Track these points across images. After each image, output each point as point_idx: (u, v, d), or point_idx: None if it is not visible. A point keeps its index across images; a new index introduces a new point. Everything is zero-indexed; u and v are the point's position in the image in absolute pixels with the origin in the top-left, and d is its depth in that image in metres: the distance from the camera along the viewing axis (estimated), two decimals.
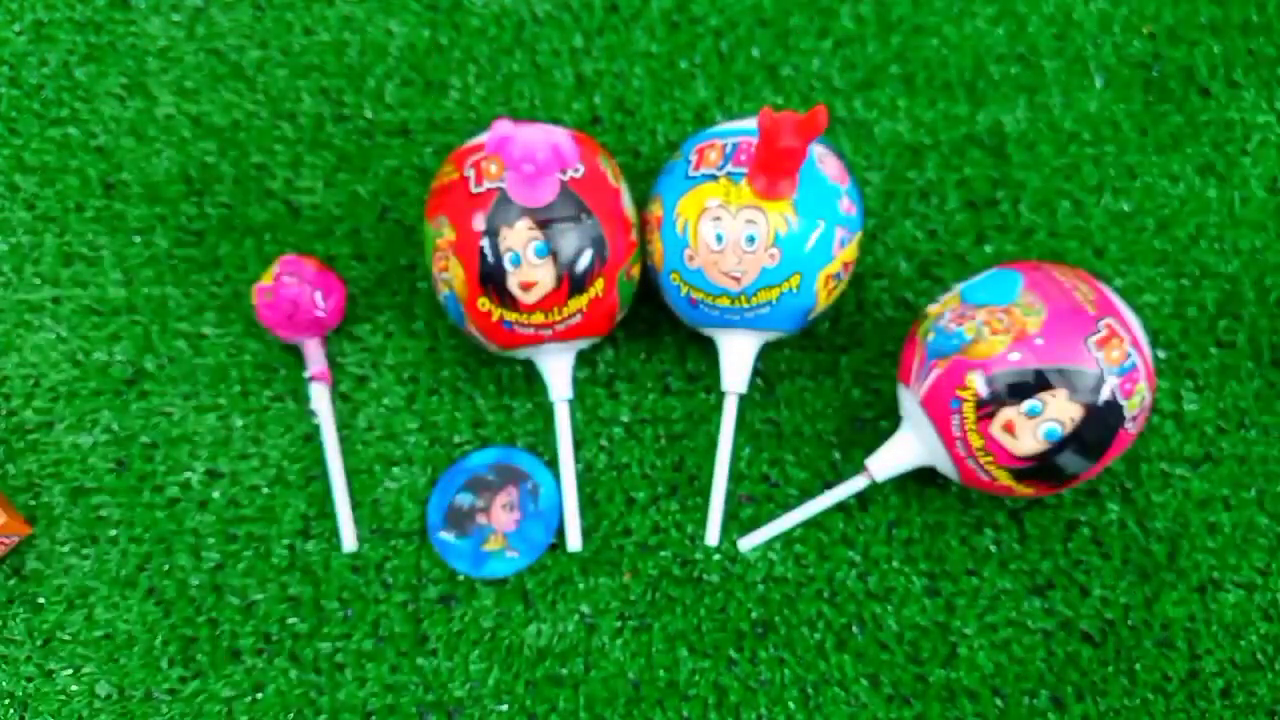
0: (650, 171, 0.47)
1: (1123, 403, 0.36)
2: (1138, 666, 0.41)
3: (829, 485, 0.43)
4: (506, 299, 0.39)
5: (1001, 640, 0.41)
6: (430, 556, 0.42)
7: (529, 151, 0.36)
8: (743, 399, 0.44)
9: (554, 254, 0.38)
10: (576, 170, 0.39)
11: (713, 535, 0.43)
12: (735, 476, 0.44)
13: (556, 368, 0.42)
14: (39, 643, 0.42)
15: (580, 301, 0.39)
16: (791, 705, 0.41)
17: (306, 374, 0.43)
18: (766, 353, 0.45)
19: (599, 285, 0.39)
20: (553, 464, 0.43)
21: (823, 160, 0.39)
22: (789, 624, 0.42)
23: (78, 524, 0.43)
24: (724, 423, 0.43)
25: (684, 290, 0.40)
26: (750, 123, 0.40)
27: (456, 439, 0.44)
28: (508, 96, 0.49)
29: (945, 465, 0.39)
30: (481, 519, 0.43)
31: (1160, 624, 0.42)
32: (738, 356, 0.42)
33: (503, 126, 0.36)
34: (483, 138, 0.40)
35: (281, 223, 0.47)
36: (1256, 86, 0.49)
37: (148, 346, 0.45)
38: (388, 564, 0.42)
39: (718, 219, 0.38)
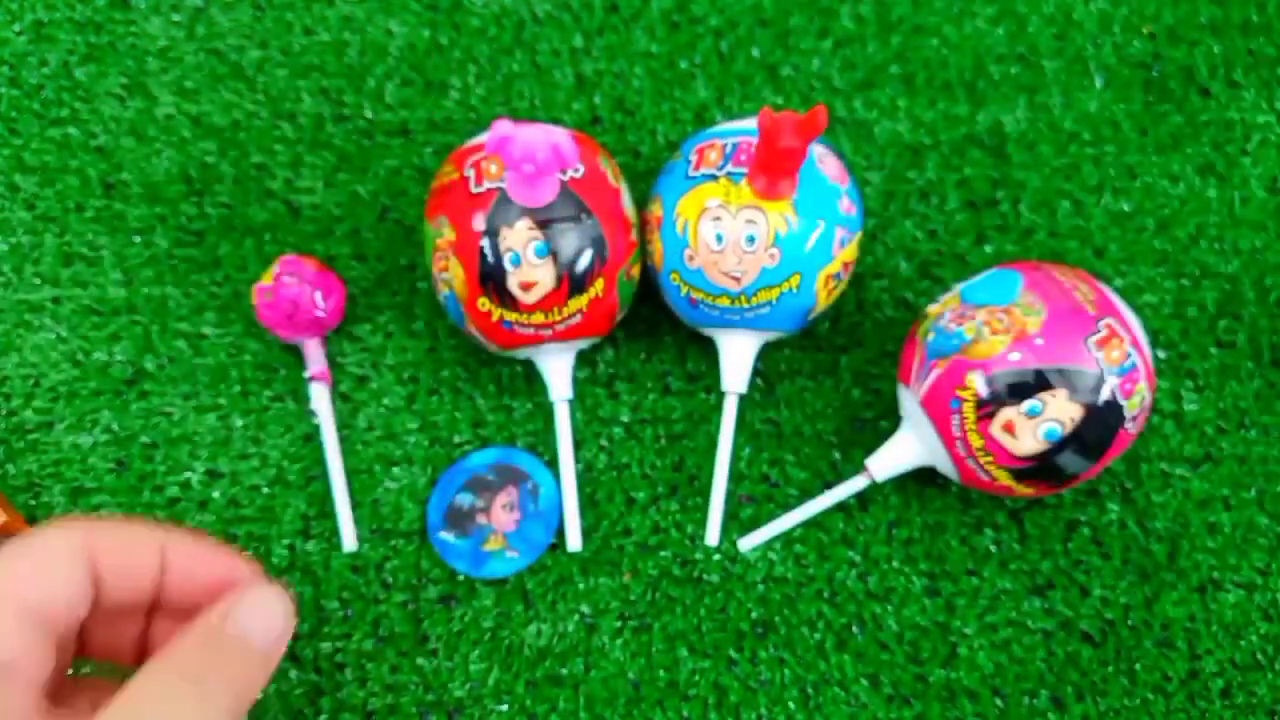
0: (650, 171, 0.47)
1: (1123, 403, 0.36)
2: (1138, 666, 0.41)
3: (829, 485, 0.43)
4: (506, 299, 0.39)
5: (1001, 640, 0.41)
6: (430, 556, 0.42)
7: (529, 151, 0.36)
8: (743, 399, 0.44)
9: (554, 254, 0.38)
10: (576, 170, 0.39)
11: (713, 535, 0.43)
12: (735, 476, 0.44)
13: (556, 368, 0.42)
14: None
15: (580, 301, 0.39)
16: (791, 705, 0.41)
17: (306, 374, 0.43)
18: (766, 353, 0.45)
19: (599, 285, 0.39)
20: (553, 464, 0.43)
21: (823, 160, 0.39)
22: (789, 624, 0.42)
23: None
24: (724, 423, 0.43)
25: (684, 290, 0.40)
26: (750, 123, 0.40)
27: (456, 439, 0.44)
28: (508, 96, 0.49)
29: (945, 465, 0.39)
30: (481, 519, 0.43)
31: (1160, 624, 0.42)
32: (738, 356, 0.42)
33: (503, 126, 0.36)
34: (483, 138, 0.40)
35: (281, 223, 0.47)
36: (1256, 86, 0.49)
37: (148, 346, 0.45)
38: (388, 564, 0.42)
39: (718, 219, 0.38)
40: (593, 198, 0.39)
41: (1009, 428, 0.36)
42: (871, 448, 0.41)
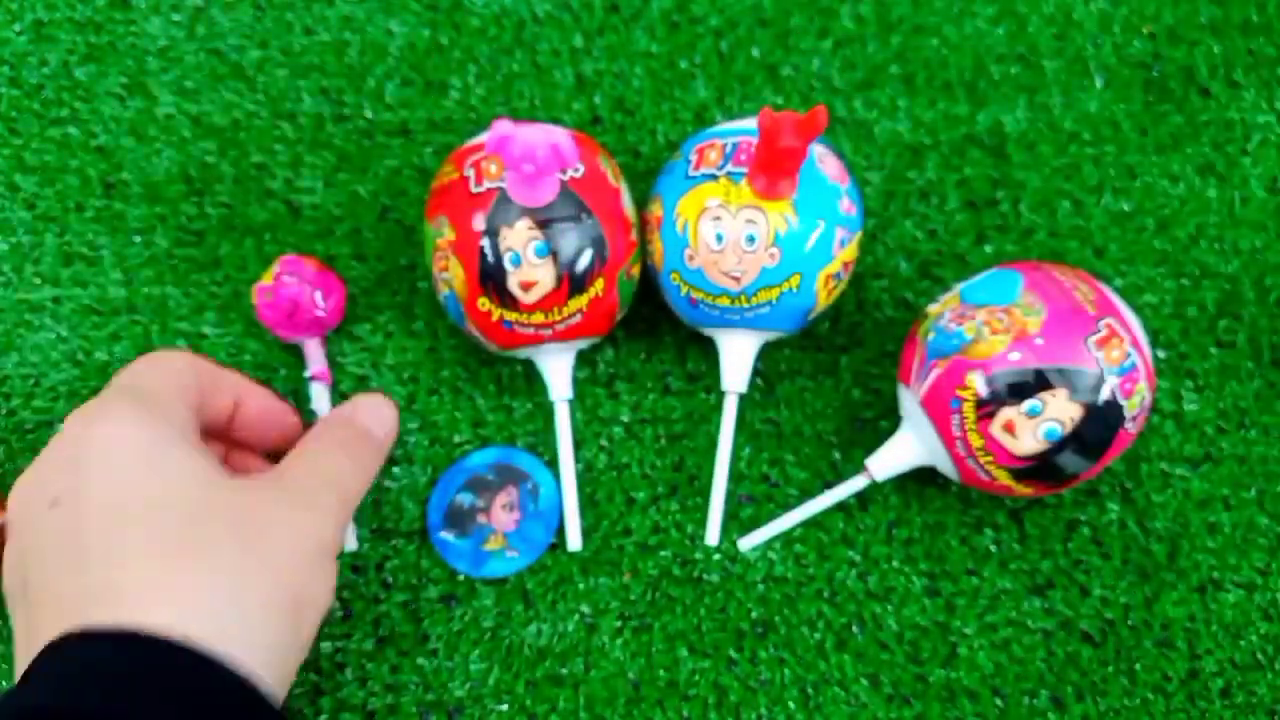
0: (650, 171, 0.47)
1: (1123, 403, 0.36)
2: (1138, 666, 0.41)
3: (829, 485, 0.43)
4: (506, 299, 0.39)
5: (1001, 640, 0.41)
6: (430, 556, 0.42)
7: (529, 151, 0.36)
8: (743, 399, 0.44)
9: (554, 254, 0.38)
10: (576, 170, 0.39)
11: (713, 535, 0.43)
12: (735, 476, 0.44)
13: (556, 368, 0.42)
14: None
15: (580, 301, 0.39)
16: (791, 705, 0.41)
17: (307, 374, 0.43)
18: (766, 353, 0.45)
19: (599, 285, 0.39)
20: (553, 464, 0.43)
21: (823, 160, 0.39)
22: (789, 624, 0.42)
23: None
24: (724, 423, 0.43)
25: (684, 290, 0.40)
26: (750, 123, 0.40)
27: (456, 439, 0.44)
28: (508, 96, 0.49)
29: (945, 465, 0.39)
30: (481, 519, 0.43)
31: (1160, 624, 0.42)
32: (738, 356, 0.42)
33: (503, 126, 0.36)
34: (483, 138, 0.40)
35: (281, 223, 0.47)
36: (1256, 86, 0.49)
37: (148, 346, 0.45)
38: (388, 564, 0.42)
39: (718, 219, 0.38)
40: (593, 198, 0.39)
41: (1009, 427, 0.36)
42: (871, 448, 0.41)
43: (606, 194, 0.40)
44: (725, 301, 0.40)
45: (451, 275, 0.39)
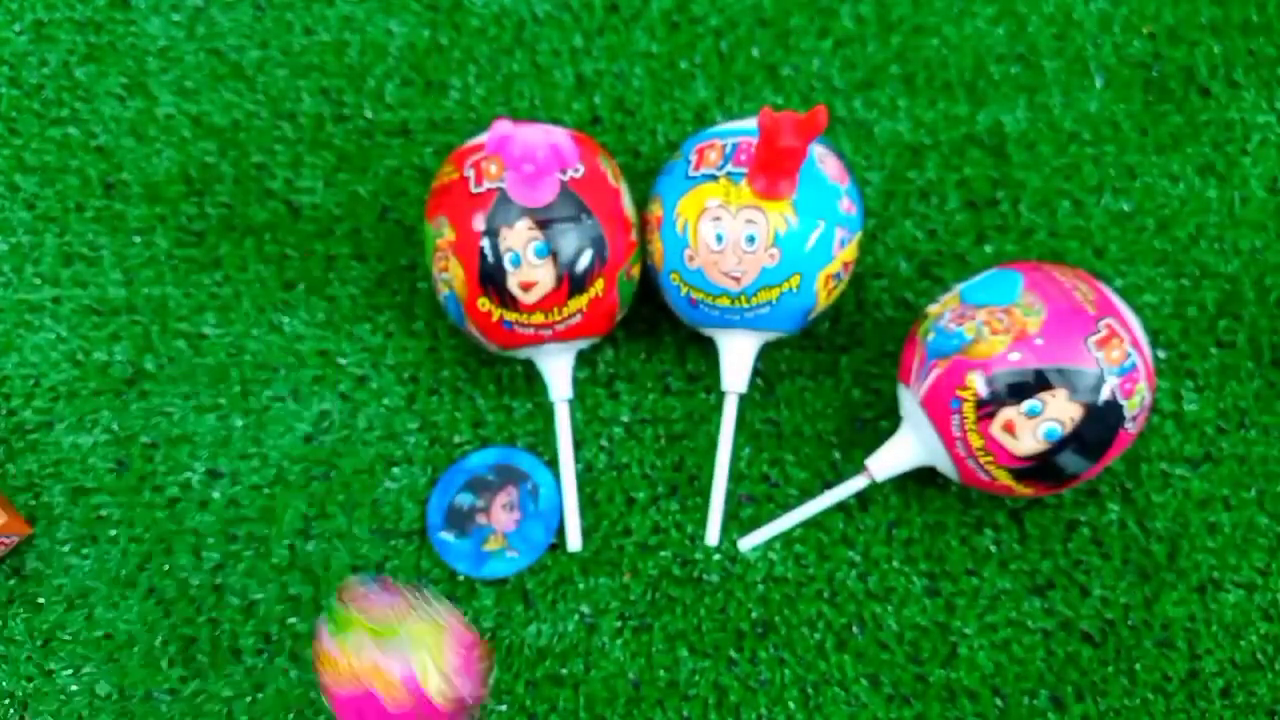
0: (650, 171, 0.47)
1: (1123, 403, 0.36)
2: (1138, 666, 0.41)
3: (829, 485, 0.43)
4: (506, 299, 0.39)
5: (1001, 640, 0.41)
6: (430, 556, 0.42)
7: (529, 151, 0.36)
8: (743, 399, 0.44)
9: (554, 254, 0.38)
10: (576, 170, 0.39)
11: (713, 535, 0.43)
12: (735, 476, 0.44)
13: (556, 368, 0.42)
14: (39, 643, 0.42)
15: (580, 301, 0.39)
16: (791, 705, 0.41)
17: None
18: (766, 353, 0.45)
19: (599, 285, 0.39)
20: (553, 464, 0.43)
21: (823, 160, 0.39)
22: (789, 624, 0.42)
23: (78, 524, 0.43)
24: (724, 423, 0.43)
25: (684, 290, 0.40)
26: (750, 123, 0.40)
27: (456, 439, 0.44)
28: (508, 96, 0.49)
29: (945, 465, 0.39)
30: (481, 519, 0.43)
31: (1160, 624, 0.42)
32: (738, 356, 0.42)
33: (503, 126, 0.36)
34: (483, 138, 0.40)
35: (281, 223, 0.47)
36: (1256, 86, 0.49)
37: (148, 346, 0.45)
38: (388, 564, 0.42)
39: (718, 219, 0.38)
40: (593, 198, 0.39)
41: (1009, 428, 0.36)
42: (871, 448, 0.41)
43: (606, 194, 0.40)
44: (725, 302, 0.40)
45: (451, 275, 0.39)
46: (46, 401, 0.44)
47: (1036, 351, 0.36)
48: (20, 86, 0.49)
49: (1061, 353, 0.36)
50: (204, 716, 0.41)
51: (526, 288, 0.38)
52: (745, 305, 0.39)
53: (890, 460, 0.40)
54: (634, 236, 0.41)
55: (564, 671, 0.41)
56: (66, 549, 0.43)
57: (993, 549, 0.43)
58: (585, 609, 0.42)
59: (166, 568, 0.43)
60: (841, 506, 0.43)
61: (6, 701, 0.41)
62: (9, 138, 0.48)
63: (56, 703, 0.41)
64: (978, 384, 0.36)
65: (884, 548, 0.43)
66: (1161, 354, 0.45)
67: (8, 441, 0.44)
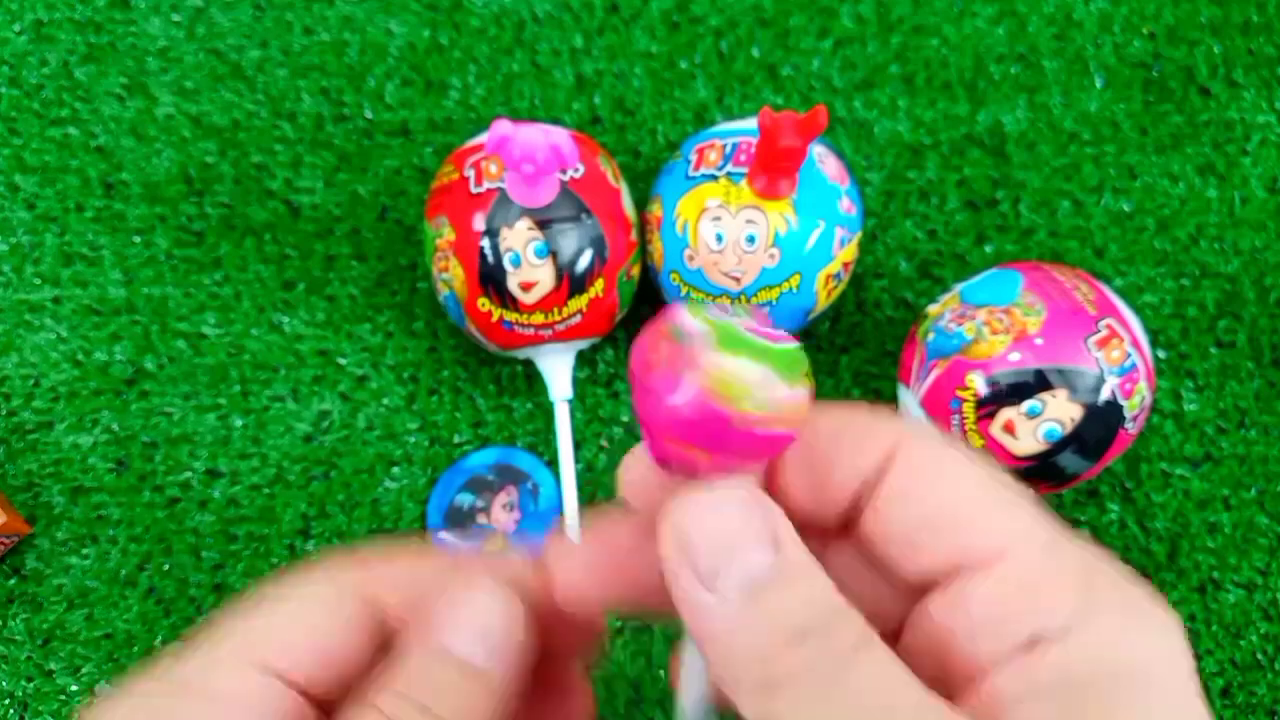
0: (650, 171, 0.47)
1: (1123, 403, 0.36)
2: None
3: None
4: (506, 299, 0.39)
5: None
6: None
7: (529, 151, 0.36)
8: None
9: (554, 254, 0.38)
10: (576, 170, 0.39)
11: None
12: None
13: (556, 368, 0.42)
14: (39, 642, 0.42)
15: (580, 301, 0.39)
16: None
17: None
18: None
19: (599, 285, 0.39)
20: (553, 464, 0.43)
21: (823, 160, 0.39)
22: None
23: (78, 524, 0.43)
24: None
25: (684, 290, 0.40)
26: (750, 123, 0.40)
27: (456, 439, 0.44)
28: (508, 96, 0.49)
29: None
30: (481, 519, 0.43)
31: None
32: None
33: (503, 126, 0.36)
34: (483, 138, 0.40)
35: (281, 223, 0.47)
36: (1256, 86, 0.49)
37: (148, 346, 0.45)
38: None
39: (718, 219, 0.38)
40: (593, 198, 0.39)
41: (1009, 428, 0.36)
42: None
43: (606, 194, 0.40)
44: (725, 302, 0.40)
45: (451, 275, 0.39)
46: (46, 401, 0.44)
47: (1036, 351, 0.36)
48: (20, 86, 0.49)
49: (1061, 353, 0.36)
50: None
51: (526, 288, 0.38)
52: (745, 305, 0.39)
53: None
54: (634, 236, 0.41)
55: None
56: (66, 549, 0.43)
57: None
58: None
59: (166, 567, 0.43)
60: None
61: (6, 702, 0.41)
62: (9, 138, 0.48)
63: (56, 703, 0.41)
64: (978, 384, 0.36)
65: None
66: (1161, 354, 0.45)
67: (8, 441, 0.44)
